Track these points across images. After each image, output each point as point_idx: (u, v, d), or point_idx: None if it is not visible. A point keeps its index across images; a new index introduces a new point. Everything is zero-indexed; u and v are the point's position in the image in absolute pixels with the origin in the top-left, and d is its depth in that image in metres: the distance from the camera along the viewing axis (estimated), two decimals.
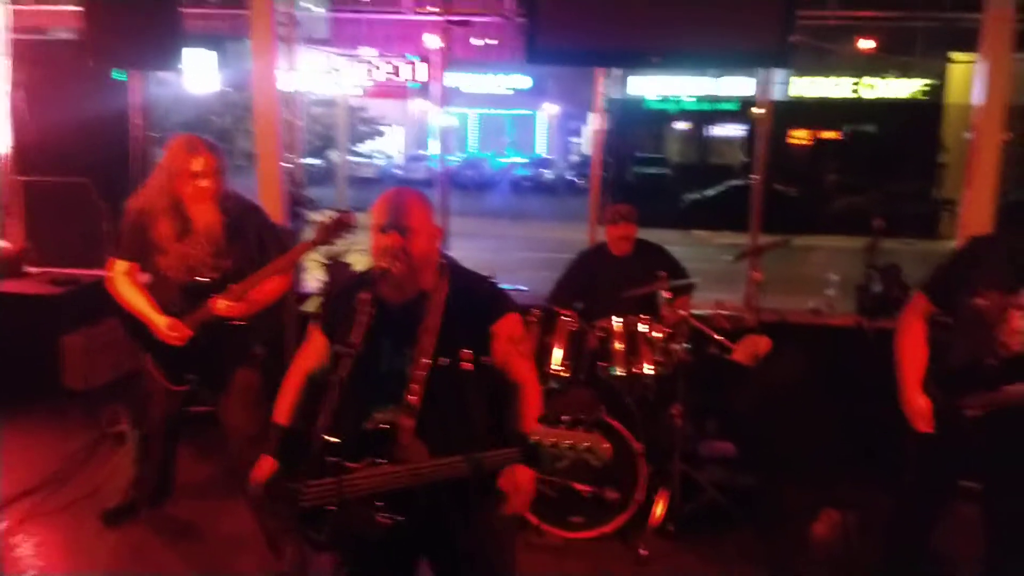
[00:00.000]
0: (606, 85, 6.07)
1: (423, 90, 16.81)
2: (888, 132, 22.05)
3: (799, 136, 24.06)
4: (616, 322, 4.15)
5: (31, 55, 6.01)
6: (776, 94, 5.65)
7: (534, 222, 20.69)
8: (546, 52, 4.72)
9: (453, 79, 27.21)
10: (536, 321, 4.23)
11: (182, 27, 5.04)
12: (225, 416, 3.68)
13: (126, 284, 3.59)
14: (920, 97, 22.39)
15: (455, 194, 6.26)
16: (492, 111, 34.87)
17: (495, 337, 2.31)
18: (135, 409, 3.96)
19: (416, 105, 32.15)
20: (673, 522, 4.03)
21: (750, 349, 4.29)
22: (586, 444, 1.98)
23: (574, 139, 35.75)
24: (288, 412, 2.52)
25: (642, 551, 3.84)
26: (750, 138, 24.11)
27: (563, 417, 2.01)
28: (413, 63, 10.56)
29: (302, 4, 9.93)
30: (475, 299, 2.35)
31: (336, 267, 5.80)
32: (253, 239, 3.55)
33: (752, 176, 5.83)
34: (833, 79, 22.88)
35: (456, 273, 2.41)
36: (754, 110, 23.10)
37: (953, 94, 19.74)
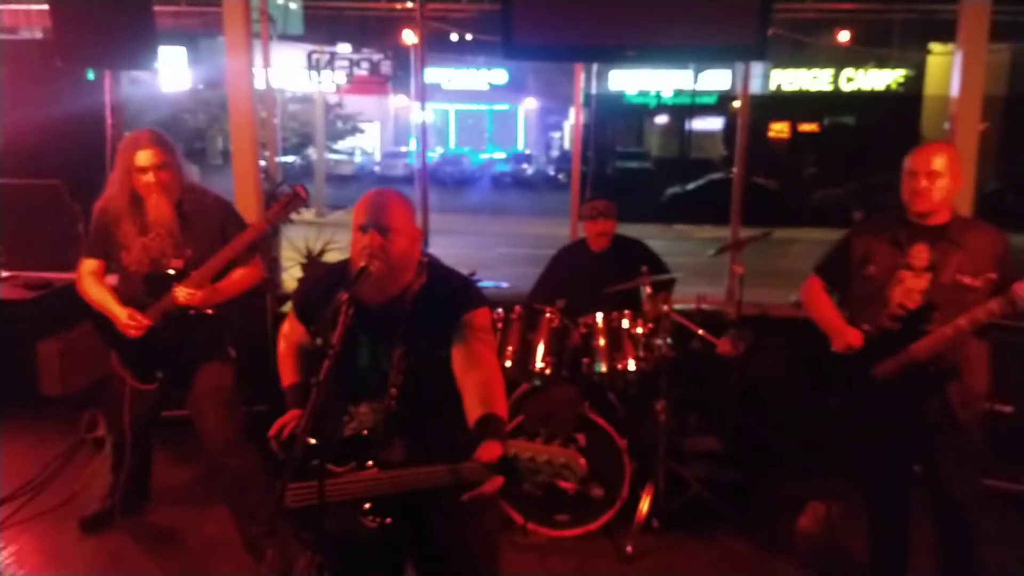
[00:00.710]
0: (586, 80, 6.05)
1: (401, 86, 16.73)
2: (867, 124, 22.23)
3: (778, 129, 24.18)
4: (598, 318, 4.13)
5: (1, 55, 5.91)
6: (755, 87, 5.65)
7: (515, 218, 20.70)
8: (523, 47, 4.68)
9: (432, 75, 27.16)
10: (518, 318, 4.20)
11: (154, 25, 4.96)
12: (199, 420, 3.63)
13: (91, 282, 3.56)
14: (898, 89, 22.54)
15: (435, 190, 6.24)
16: (472, 107, 34.82)
17: (463, 326, 2.28)
18: (109, 413, 3.91)
19: (395, 101, 32.05)
20: (658, 518, 4.02)
21: (733, 343, 4.28)
22: (562, 460, 1.95)
23: (554, 134, 35.81)
24: (294, 372, 2.52)
25: (628, 548, 3.82)
26: (729, 132, 24.28)
27: (540, 430, 1.99)
28: (391, 58, 10.49)
29: (277, 0, 9.86)
30: (447, 291, 2.35)
31: (313, 265, 5.76)
32: (215, 229, 3.49)
33: (733, 169, 5.82)
34: (812, 71, 23.01)
35: (433, 269, 2.40)
36: (733, 104, 23.20)
37: (932, 85, 19.88)
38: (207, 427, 3.61)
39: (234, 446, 3.62)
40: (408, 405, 2.25)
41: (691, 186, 21.36)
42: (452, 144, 36.23)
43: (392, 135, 35.23)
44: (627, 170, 24.32)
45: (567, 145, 33.28)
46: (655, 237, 5.11)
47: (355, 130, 29.85)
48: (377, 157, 33.19)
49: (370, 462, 2.20)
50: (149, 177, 3.40)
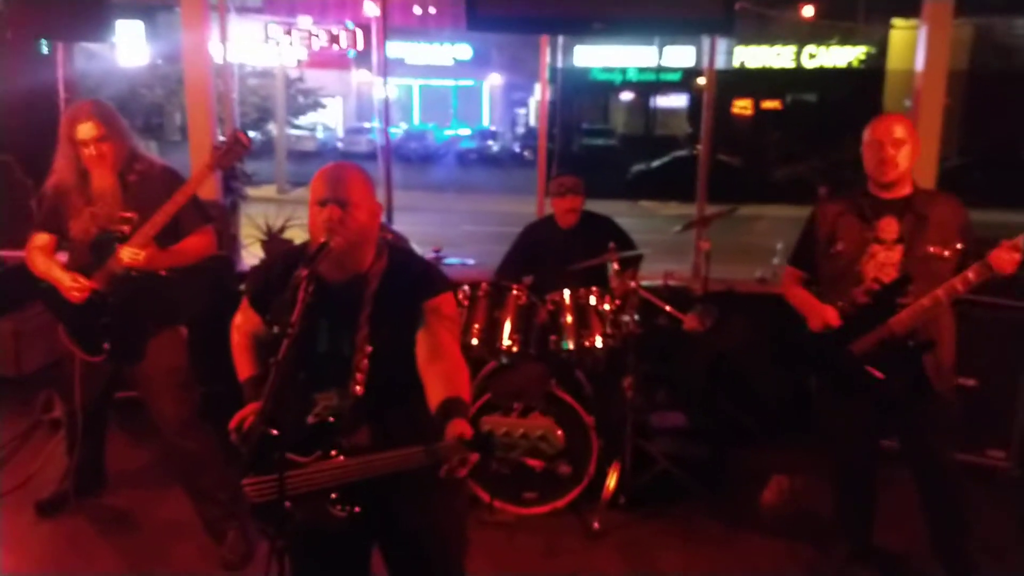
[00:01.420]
0: (551, 55, 5.98)
1: (364, 60, 16.50)
2: (830, 100, 22.37)
3: (742, 106, 24.27)
4: (566, 295, 4.10)
5: None
6: (719, 64, 5.63)
7: (480, 195, 20.60)
8: (487, 19, 4.61)
9: (395, 49, 26.85)
10: (484, 295, 4.16)
11: None
12: (152, 401, 3.55)
13: (37, 254, 3.47)
14: (860, 65, 22.70)
15: (399, 167, 6.16)
16: (436, 82, 34.51)
17: (427, 312, 2.23)
18: (63, 393, 3.82)
19: (357, 76, 31.65)
20: (625, 494, 4.02)
21: (700, 319, 4.28)
22: (539, 432, 1.91)
23: (520, 110, 35.62)
24: (251, 364, 2.43)
25: (595, 525, 3.82)
26: (694, 109, 24.33)
27: (515, 405, 1.95)
28: (352, 31, 10.30)
29: None
30: (409, 277, 2.29)
31: (274, 242, 5.66)
32: (161, 194, 3.35)
33: (697, 146, 5.81)
34: (775, 48, 23.10)
35: (394, 251, 2.34)
36: (698, 80, 23.23)
37: (894, 60, 20.05)
38: (161, 408, 3.53)
39: (190, 427, 3.55)
40: (372, 390, 2.20)
41: (656, 163, 21.41)
42: (416, 120, 35.89)
43: (355, 111, 34.80)
44: (593, 147, 24.32)
45: (532, 122, 33.16)
46: (621, 214, 5.08)
47: (317, 105, 29.38)
48: (340, 133, 32.80)
49: (334, 451, 2.13)
50: (91, 150, 3.32)
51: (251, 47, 12.33)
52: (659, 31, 5.86)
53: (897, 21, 18.55)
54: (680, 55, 24.53)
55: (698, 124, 5.66)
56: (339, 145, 30.68)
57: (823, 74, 23.11)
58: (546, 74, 5.89)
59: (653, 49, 24.46)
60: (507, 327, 4.05)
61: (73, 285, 3.33)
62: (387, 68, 6.21)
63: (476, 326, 4.05)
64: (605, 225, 4.61)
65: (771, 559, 3.69)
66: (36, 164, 5.14)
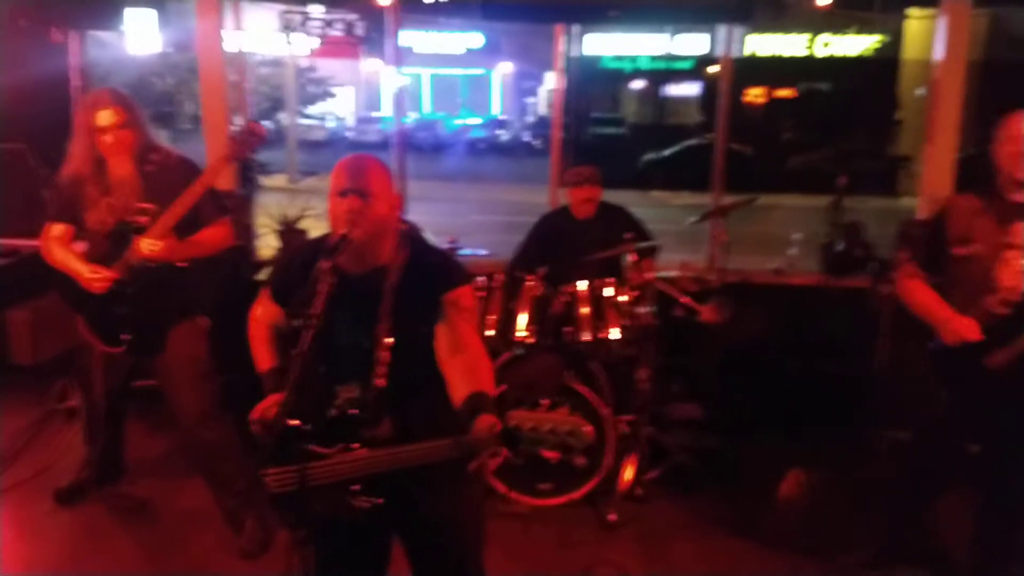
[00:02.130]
0: (564, 44, 5.94)
1: (374, 50, 16.47)
2: (843, 89, 22.18)
3: (754, 94, 24.10)
4: (581, 286, 4.08)
5: None
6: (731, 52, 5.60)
7: (491, 184, 20.54)
8: (502, 7, 4.60)
9: (405, 38, 26.76)
10: (500, 287, 4.14)
11: None
12: (172, 391, 3.55)
13: (55, 244, 3.46)
14: (874, 54, 22.50)
15: (410, 156, 6.12)
16: (446, 71, 34.41)
17: (447, 305, 2.23)
18: (81, 384, 3.83)
19: (367, 65, 31.60)
20: (641, 486, 4.01)
21: (717, 310, 4.26)
22: (567, 428, 1.91)
23: (530, 99, 35.49)
24: (270, 355, 2.46)
25: (610, 516, 3.81)
26: (706, 97, 24.19)
27: (543, 401, 1.95)
28: (364, 20, 10.25)
29: None
30: (429, 269, 2.29)
31: (290, 233, 5.66)
32: (178, 184, 3.35)
33: (708, 135, 5.79)
34: (788, 36, 22.92)
35: (414, 244, 2.34)
36: (710, 68, 23.04)
37: (910, 50, 19.85)
38: (180, 399, 3.53)
39: (209, 417, 3.55)
40: (393, 383, 2.19)
41: (667, 152, 21.29)
42: (426, 109, 35.81)
43: (365, 100, 34.75)
44: (603, 136, 24.17)
45: (542, 110, 33.03)
46: (633, 204, 5.05)
47: (327, 95, 29.37)
48: (350, 122, 32.76)
49: (357, 443, 2.12)
50: (109, 137, 3.31)
51: (263, 36, 12.31)
52: (675, 19, 5.80)
53: (913, 11, 18.35)
54: (693, 43, 24.34)
55: (710, 112, 5.64)
56: (349, 134, 30.62)
57: (837, 63, 22.91)
58: (561, 63, 5.86)
59: (665, 37, 24.29)
60: (522, 318, 4.04)
61: (94, 276, 3.32)
62: (400, 57, 6.18)
63: (491, 317, 4.05)
64: (621, 216, 4.58)
65: (787, 552, 3.67)
66: (49, 153, 5.17)
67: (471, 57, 31.65)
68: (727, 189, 5.70)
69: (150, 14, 5.06)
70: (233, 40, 5.55)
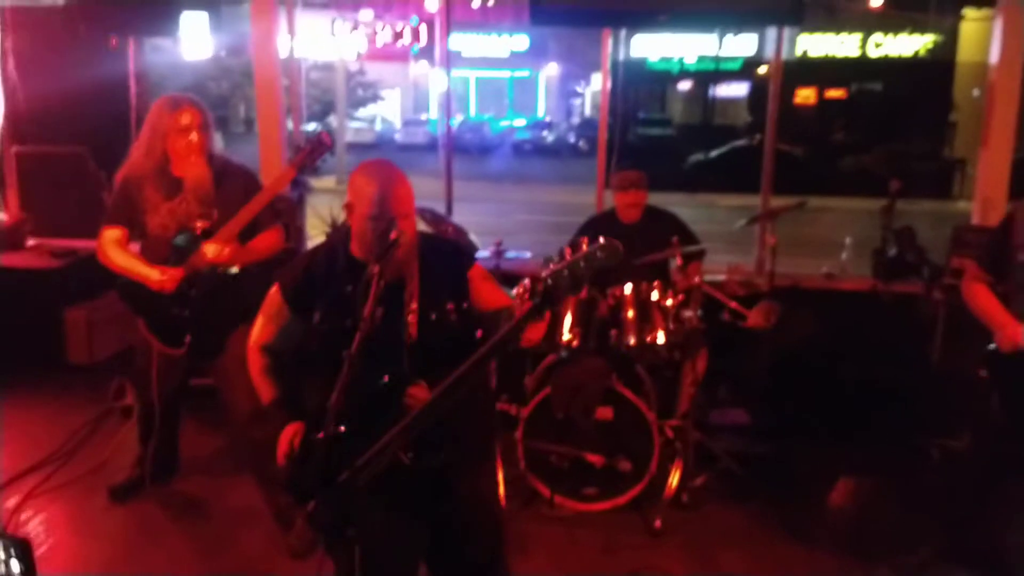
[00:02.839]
0: (612, 46, 5.92)
1: (423, 53, 16.59)
2: (896, 90, 21.74)
3: (805, 95, 23.73)
4: (627, 289, 4.07)
5: (22, 22, 5.86)
6: (782, 52, 5.51)
7: (536, 185, 20.57)
8: (551, 12, 4.60)
9: (453, 42, 26.89)
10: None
11: None
12: (227, 390, 3.61)
13: (115, 249, 3.53)
14: (927, 55, 22.05)
15: (456, 158, 6.17)
16: (492, 73, 34.52)
17: (471, 281, 2.43)
18: (137, 383, 3.91)
19: (415, 68, 31.83)
20: (687, 492, 3.98)
21: (764, 315, 4.21)
22: (592, 250, 1.97)
23: (575, 100, 35.44)
24: (273, 385, 2.53)
25: (656, 523, 3.78)
26: (754, 98, 23.89)
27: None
28: (415, 27, 10.34)
29: None
30: (444, 254, 2.48)
31: (339, 233, 5.72)
32: (240, 192, 3.48)
33: (757, 136, 5.72)
34: (839, 37, 22.55)
35: (421, 237, 2.46)
36: (760, 69, 22.73)
37: (965, 52, 19.41)
38: (235, 398, 3.58)
39: (260, 417, 3.60)
40: (425, 356, 2.29)
41: (715, 153, 21.09)
42: (472, 111, 35.97)
43: (412, 102, 35.02)
44: (650, 137, 24.03)
45: (588, 112, 32.96)
46: (680, 204, 5.04)
47: (376, 98, 29.70)
48: (398, 125, 33.05)
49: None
50: (193, 136, 3.40)
51: (313, 41, 12.49)
52: (725, 23, 5.75)
53: (969, 11, 17.94)
54: (741, 44, 24.06)
55: (758, 113, 5.57)
56: (397, 137, 30.91)
57: (890, 63, 22.48)
58: (608, 65, 5.84)
59: (713, 38, 24.05)
60: (567, 321, 4.04)
61: (163, 278, 3.39)
62: (449, 60, 6.22)
63: None
64: (668, 220, 4.55)
65: (836, 560, 3.61)
66: (108, 156, 5.31)
67: (517, 59, 31.74)
68: (776, 191, 5.63)
69: (203, 18, 5.15)
70: (286, 44, 5.63)
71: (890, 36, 22.15)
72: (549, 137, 31.30)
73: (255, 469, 3.71)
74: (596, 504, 3.90)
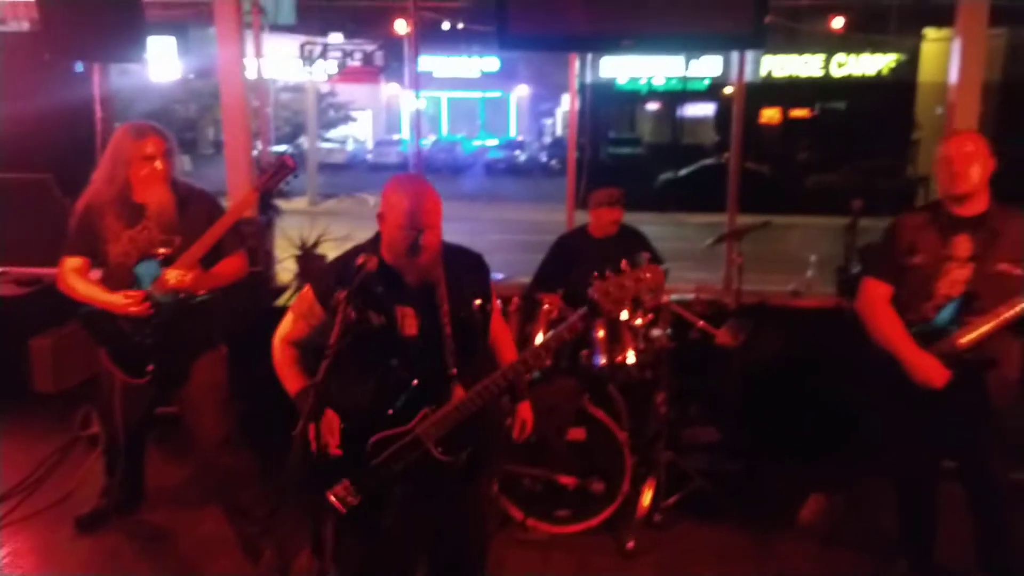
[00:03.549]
0: (580, 67, 5.99)
1: (393, 74, 16.64)
2: (859, 109, 22.12)
3: (769, 115, 24.07)
4: None
5: None
6: (746, 74, 5.60)
7: (509, 204, 20.64)
8: (518, 38, 4.63)
9: (424, 63, 26.96)
10: (516, 310, 4.15)
11: (144, 17, 4.89)
12: (193, 418, 3.57)
13: (75, 277, 3.49)
14: (889, 74, 22.44)
15: (429, 178, 6.10)
16: (464, 94, 34.66)
17: (490, 296, 2.73)
18: (102, 413, 3.86)
19: (386, 89, 31.90)
20: (660, 512, 3.99)
21: (732, 333, 4.24)
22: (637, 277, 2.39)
23: (547, 121, 35.66)
24: (299, 376, 2.62)
25: (629, 544, 3.79)
26: (721, 117, 24.19)
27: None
28: (384, 48, 10.37)
29: None
30: (465, 261, 2.70)
31: (308, 258, 5.70)
32: (204, 217, 3.45)
33: (725, 155, 5.80)
34: (803, 57, 22.91)
35: (444, 245, 2.61)
36: (726, 90, 23.02)
37: (926, 72, 19.79)
38: (201, 425, 3.55)
39: (228, 444, 3.57)
40: (456, 353, 2.55)
41: (683, 172, 21.30)
42: (444, 131, 36.07)
43: (384, 123, 35.06)
44: (620, 156, 24.24)
45: (559, 131, 33.17)
46: (650, 223, 5.08)
47: (347, 119, 29.69)
48: (369, 145, 33.06)
49: (426, 410, 2.50)
50: (157, 164, 3.38)
51: (284, 63, 12.48)
52: (688, 47, 5.84)
53: (929, 32, 18.30)
54: (707, 65, 24.39)
55: (725, 133, 5.64)
56: (369, 157, 30.93)
57: (853, 83, 22.86)
58: (575, 87, 5.89)
59: (680, 59, 24.34)
60: (539, 341, 4.04)
61: (128, 302, 3.35)
62: (418, 82, 6.25)
63: None
64: (639, 238, 4.58)
65: None
66: (73, 183, 5.25)
67: (488, 80, 31.90)
68: (744, 209, 5.69)
69: (170, 42, 5.13)
70: (254, 66, 5.63)
71: (853, 56, 22.53)
72: (521, 157, 31.44)
73: (222, 498, 3.66)
74: (569, 526, 3.89)
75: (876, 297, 3.25)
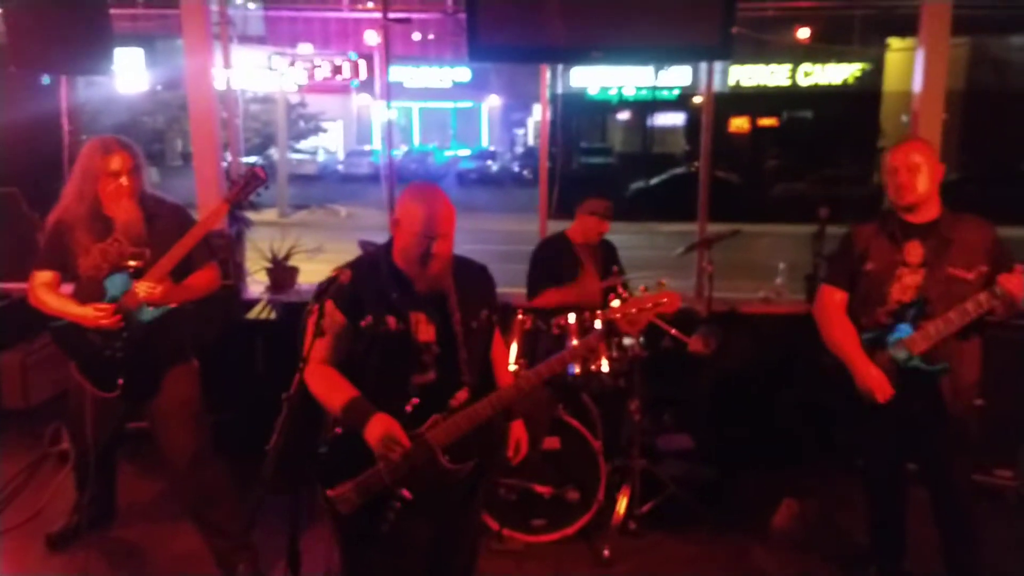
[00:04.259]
0: (550, 78, 6.02)
1: (365, 85, 16.63)
2: (825, 118, 22.42)
3: (738, 124, 24.32)
4: (571, 318, 4.10)
5: None
6: (715, 84, 5.65)
7: (482, 215, 20.59)
8: (488, 49, 4.66)
9: (395, 73, 26.94)
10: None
11: (111, 29, 4.86)
12: (165, 433, 3.54)
13: (45, 291, 3.47)
14: (855, 83, 22.76)
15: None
16: (435, 104, 34.64)
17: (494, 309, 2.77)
18: (72, 428, 3.82)
19: (357, 100, 31.81)
20: (635, 520, 4.02)
21: (704, 341, 4.29)
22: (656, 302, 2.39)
23: (518, 131, 35.72)
24: (349, 385, 2.54)
25: (605, 552, 3.80)
26: (691, 127, 24.40)
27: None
28: (354, 61, 10.34)
29: (236, 1, 9.70)
30: (473, 271, 2.76)
31: (280, 271, 5.67)
32: (173, 229, 3.43)
33: (695, 164, 5.85)
34: (770, 67, 23.17)
35: (452, 256, 2.67)
36: (695, 99, 23.23)
37: (891, 81, 20.11)
38: (173, 441, 3.52)
39: (200, 458, 3.54)
40: (467, 360, 2.60)
41: (655, 181, 21.44)
42: (416, 141, 36.02)
43: (355, 134, 34.95)
44: (591, 165, 24.37)
45: (531, 141, 33.24)
46: (622, 232, 5.11)
47: (318, 129, 29.56)
48: (341, 156, 32.94)
49: (436, 416, 2.52)
50: (123, 180, 3.36)
51: (253, 74, 12.43)
52: (657, 58, 5.86)
53: (893, 41, 18.59)
54: (677, 75, 24.59)
55: (695, 142, 5.70)
56: (340, 168, 30.83)
57: (819, 92, 23.17)
58: (547, 97, 5.93)
59: (649, 69, 24.49)
60: (513, 351, 4.06)
61: (98, 315, 3.33)
62: (389, 93, 6.26)
63: None
64: (612, 249, 4.60)
65: None
66: (41, 196, 5.20)
67: (460, 90, 31.88)
68: (714, 218, 5.75)
69: (138, 53, 5.09)
70: (223, 77, 5.60)
71: (819, 66, 22.83)
72: (493, 167, 31.44)
73: (196, 513, 3.63)
74: (545, 535, 3.91)
75: (831, 303, 3.31)
